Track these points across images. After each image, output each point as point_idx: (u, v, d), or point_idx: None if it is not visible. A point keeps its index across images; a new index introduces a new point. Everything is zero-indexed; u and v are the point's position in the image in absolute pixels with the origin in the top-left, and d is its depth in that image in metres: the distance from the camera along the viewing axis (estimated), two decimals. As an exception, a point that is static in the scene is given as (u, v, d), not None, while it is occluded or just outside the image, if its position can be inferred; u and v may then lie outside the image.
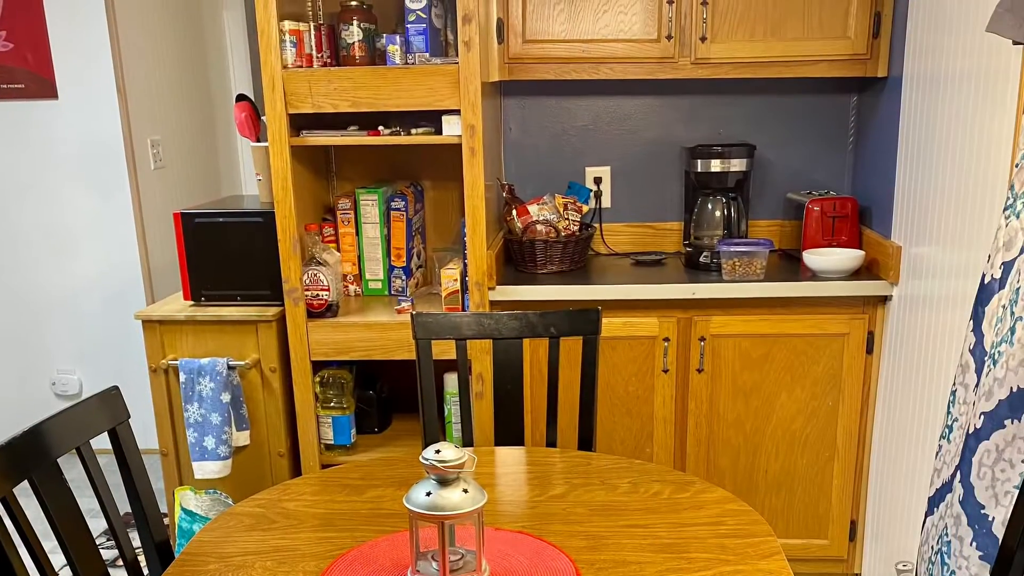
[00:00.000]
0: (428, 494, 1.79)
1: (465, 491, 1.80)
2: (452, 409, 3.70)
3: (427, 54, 3.34)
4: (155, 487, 2.56)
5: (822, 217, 3.68)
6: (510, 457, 2.62)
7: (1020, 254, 2.10)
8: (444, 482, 1.80)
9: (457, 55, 3.23)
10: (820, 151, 4.02)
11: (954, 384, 2.36)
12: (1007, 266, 2.16)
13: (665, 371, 3.58)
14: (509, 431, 3.01)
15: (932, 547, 2.39)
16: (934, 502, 2.41)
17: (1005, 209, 2.18)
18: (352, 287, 3.82)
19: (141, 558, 3.28)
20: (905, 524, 3.30)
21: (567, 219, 3.78)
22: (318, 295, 3.48)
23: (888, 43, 3.49)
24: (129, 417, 2.34)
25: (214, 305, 3.59)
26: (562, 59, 3.61)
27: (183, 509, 3.45)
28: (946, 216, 2.93)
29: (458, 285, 3.46)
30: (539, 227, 3.71)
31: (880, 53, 3.50)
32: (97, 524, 4.12)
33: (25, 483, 2.00)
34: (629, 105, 4.03)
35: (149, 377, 3.59)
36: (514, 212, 3.76)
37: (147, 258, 5.00)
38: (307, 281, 3.46)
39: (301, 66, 3.33)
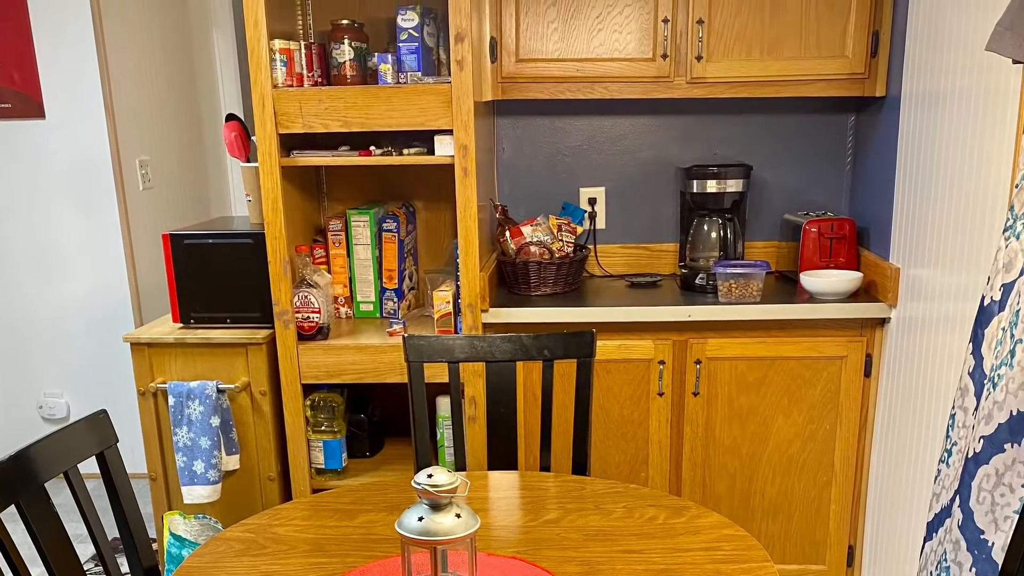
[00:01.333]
0: (420, 519, 1.78)
1: (458, 516, 1.79)
2: (444, 433, 3.66)
3: (419, 73, 3.32)
4: (144, 512, 2.54)
5: (819, 238, 3.65)
6: (503, 481, 2.61)
7: (1020, 276, 2.09)
8: (436, 507, 1.79)
9: (450, 74, 3.21)
10: (817, 171, 4.00)
11: (953, 407, 2.36)
12: (1007, 288, 2.16)
13: (660, 394, 3.56)
14: (502, 455, 2.98)
15: (931, 572, 2.39)
16: (933, 527, 2.40)
17: (1005, 230, 2.17)
18: (343, 309, 3.79)
19: (128, 585, 3.24)
20: (903, 549, 3.28)
21: (561, 240, 3.75)
22: (309, 317, 3.45)
23: (886, 62, 3.47)
24: (117, 441, 2.34)
25: (203, 327, 3.56)
26: (556, 78, 3.59)
27: (172, 534, 3.42)
28: (945, 237, 2.91)
29: (451, 307, 3.43)
30: (533, 248, 3.69)
31: (878, 72, 3.49)
32: (85, 549, 4.08)
33: (12, 508, 1.98)
34: (624, 125, 4.01)
35: (137, 400, 3.56)
36: (507, 233, 3.73)
37: (135, 280, 4.97)
38: (298, 303, 3.43)
39: (292, 85, 3.31)
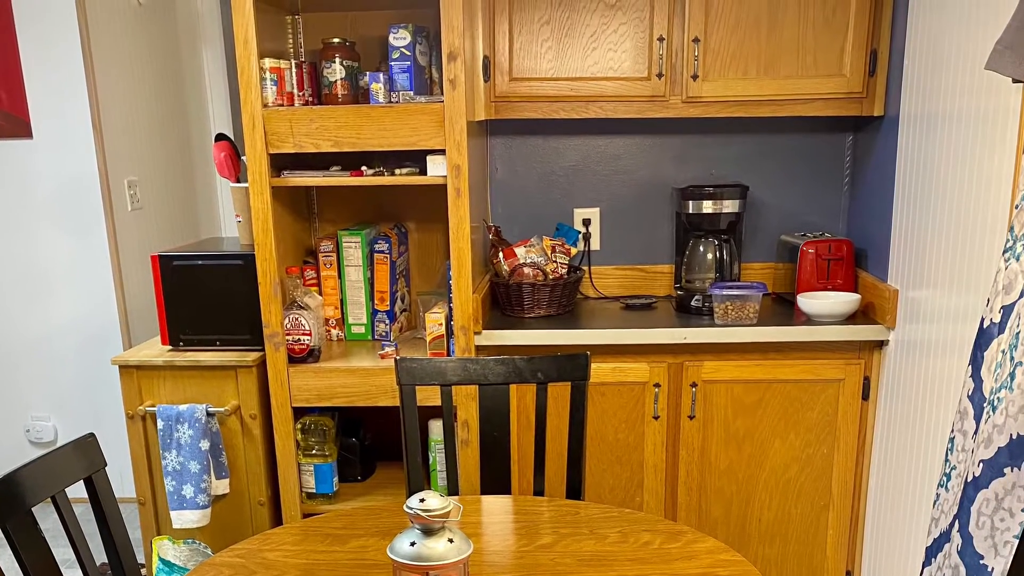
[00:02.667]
0: (412, 544, 1.78)
1: (450, 541, 1.80)
2: (437, 457, 3.64)
3: (411, 92, 3.30)
4: (132, 537, 2.53)
5: (817, 260, 3.63)
6: (496, 506, 2.59)
7: (1020, 298, 2.08)
8: (429, 532, 1.80)
9: (442, 93, 3.19)
10: (815, 192, 3.98)
11: (952, 431, 2.35)
12: (1007, 310, 2.14)
13: (656, 418, 3.53)
14: (495, 479, 2.95)
15: (931, 599, 2.35)
16: (932, 552, 2.39)
17: (1005, 251, 2.16)
18: (334, 331, 3.77)
19: (114, 612, 3.20)
20: (902, 575, 3.25)
21: (555, 262, 3.73)
22: (299, 340, 3.42)
23: (885, 81, 3.46)
24: (105, 465, 2.34)
25: (193, 350, 3.54)
26: (550, 97, 3.57)
27: (161, 559, 3.40)
28: (944, 259, 2.90)
29: (443, 329, 3.40)
30: (526, 270, 3.66)
31: (876, 91, 3.47)
32: (72, 575, 4.03)
33: (-1, 533, 1.97)
34: (619, 145, 3.99)
35: (126, 424, 3.53)
36: (501, 254, 3.71)
37: (124, 301, 4.94)
38: (288, 325, 3.40)
39: (282, 105, 3.29)
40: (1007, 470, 2.05)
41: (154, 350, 3.57)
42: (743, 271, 4.01)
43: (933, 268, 2.99)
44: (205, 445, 3.39)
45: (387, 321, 3.73)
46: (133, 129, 5.13)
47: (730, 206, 3.69)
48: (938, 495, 2.38)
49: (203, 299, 3.49)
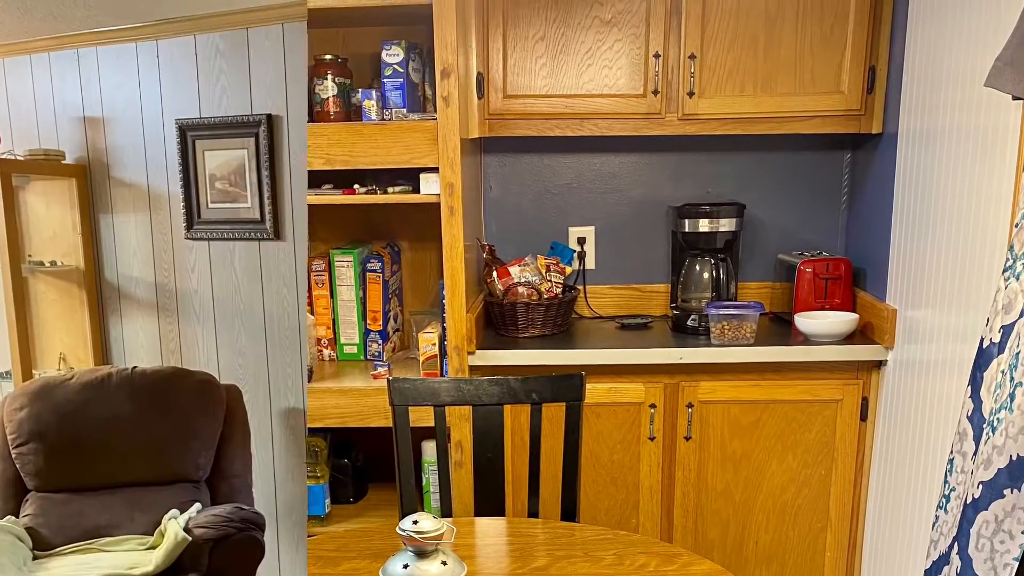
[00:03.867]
0: (405, 567, 1.80)
1: (444, 563, 1.82)
2: (430, 478, 3.62)
3: (404, 110, 3.29)
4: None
5: (814, 279, 3.62)
6: (490, 528, 2.61)
7: (1020, 317, 2.08)
8: (422, 554, 1.82)
9: (435, 111, 3.17)
10: (812, 210, 3.98)
11: (951, 452, 2.35)
12: (1006, 330, 2.14)
13: (651, 439, 3.50)
14: (489, 501, 2.94)
15: (930, 621, 2.34)
16: (931, 574, 2.37)
17: (1004, 271, 2.16)
18: (326, 351, 3.75)
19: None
20: (901, 598, 3.22)
21: (549, 281, 3.71)
22: (291, 359, 3.40)
23: (883, 98, 3.45)
24: None
25: (183, 369, 3.51)
26: (544, 115, 3.56)
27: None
28: (943, 278, 2.89)
29: (436, 349, 3.39)
30: (520, 289, 3.64)
31: (875, 108, 3.46)
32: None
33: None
34: (614, 162, 3.98)
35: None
36: (494, 274, 3.69)
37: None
38: (280, 344, 3.39)
39: (274, 121, 3.27)
40: (1007, 491, 2.04)
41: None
42: (740, 290, 3.99)
43: (932, 287, 2.97)
44: (195, 466, 3.37)
45: (380, 341, 3.71)
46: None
47: (727, 225, 3.68)
48: (937, 517, 2.38)
49: (194, 318, 3.48)
